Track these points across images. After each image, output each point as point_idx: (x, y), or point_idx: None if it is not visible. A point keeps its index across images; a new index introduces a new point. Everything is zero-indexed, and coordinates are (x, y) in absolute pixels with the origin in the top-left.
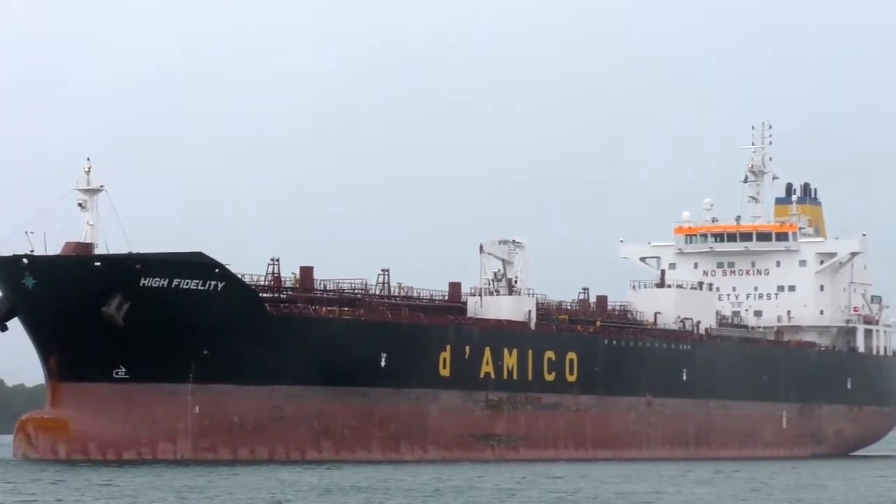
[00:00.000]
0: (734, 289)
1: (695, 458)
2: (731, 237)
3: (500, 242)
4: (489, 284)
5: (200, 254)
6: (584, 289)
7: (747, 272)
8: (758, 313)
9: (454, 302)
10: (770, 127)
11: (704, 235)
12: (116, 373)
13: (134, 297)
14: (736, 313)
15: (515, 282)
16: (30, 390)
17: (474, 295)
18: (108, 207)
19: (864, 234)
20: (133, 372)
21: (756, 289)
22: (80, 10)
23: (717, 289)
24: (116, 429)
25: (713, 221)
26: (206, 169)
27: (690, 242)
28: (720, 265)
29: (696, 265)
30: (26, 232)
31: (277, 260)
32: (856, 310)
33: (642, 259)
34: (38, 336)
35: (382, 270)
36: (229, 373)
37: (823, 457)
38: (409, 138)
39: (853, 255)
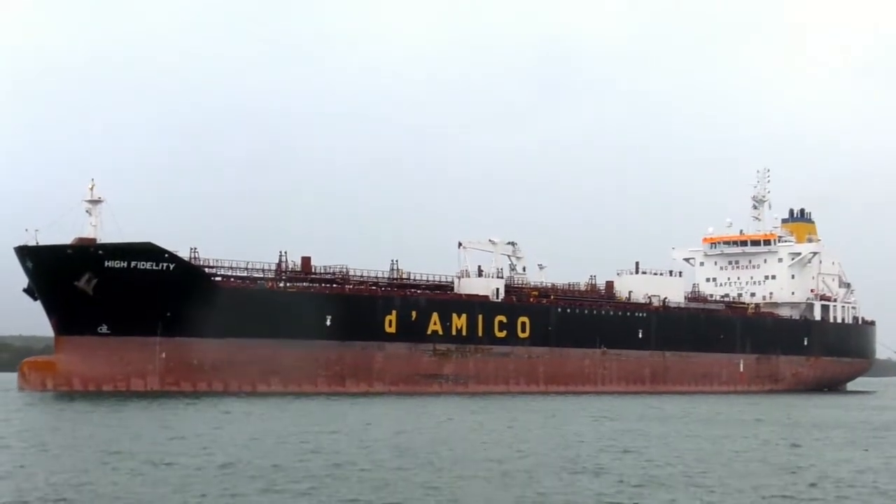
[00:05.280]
0: (739, 278)
1: (650, 393)
2: (735, 244)
3: (507, 243)
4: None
5: (150, 243)
6: (592, 275)
7: (745, 266)
8: (752, 294)
9: (444, 283)
10: (768, 171)
11: (719, 243)
12: (100, 329)
13: (101, 274)
14: (739, 294)
15: (523, 270)
16: None
17: (460, 277)
18: (109, 214)
19: (819, 240)
20: (113, 328)
21: (752, 278)
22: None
23: (728, 278)
24: (98, 368)
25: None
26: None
27: (713, 248)
28: (730, 262)
29: (715, 262)
30: (27, 229)
31: (285, 252)
32: (812, 291)
33: (685, 259)
34: (42, 302)
35: (392, 260)
36: (189, 329)
37: (781, 392)
38: (420, 139)
39: (814, 253)
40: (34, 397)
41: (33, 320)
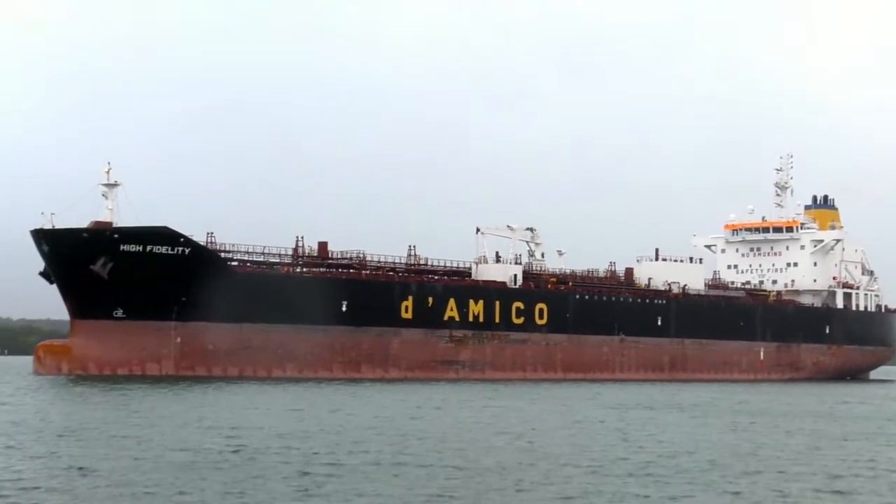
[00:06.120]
0: (760, 265)
1: (669, 381)
2: (757, 230)
3: (525, 229)
4: (505, 257)
5: (165, 227)
6: (612, 262)
7: (767, 253)
8: (774, 281)
9: (462, 269)
10: (791, 157)
11: (741, 230)
12: (115, 313)
13: (117, 258)
14: (761, 282)
15: (542, 256)
16: None
17: (478, 263)
18: (125, 198)
19: (842, 227)
20: (129, 313)
21: (773, 265)
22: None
23: (750, 265)
24: (113, 353)
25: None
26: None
27: (735, 234)
28: (751, 249)
29: (737, 249)
30: (42, 213)
31: (302, 237)
32: (835, 279)
33: (706, 246)
34: (57, 285)
35: (410, 246)
36: (204, 313)
37: (801, 380)
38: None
39: (836, 241)
40: (50, 381)
41: (61, 305)
